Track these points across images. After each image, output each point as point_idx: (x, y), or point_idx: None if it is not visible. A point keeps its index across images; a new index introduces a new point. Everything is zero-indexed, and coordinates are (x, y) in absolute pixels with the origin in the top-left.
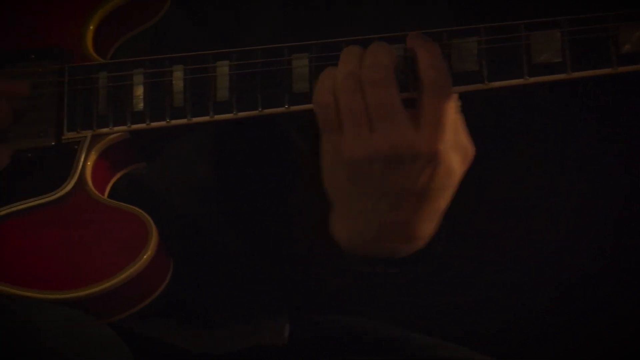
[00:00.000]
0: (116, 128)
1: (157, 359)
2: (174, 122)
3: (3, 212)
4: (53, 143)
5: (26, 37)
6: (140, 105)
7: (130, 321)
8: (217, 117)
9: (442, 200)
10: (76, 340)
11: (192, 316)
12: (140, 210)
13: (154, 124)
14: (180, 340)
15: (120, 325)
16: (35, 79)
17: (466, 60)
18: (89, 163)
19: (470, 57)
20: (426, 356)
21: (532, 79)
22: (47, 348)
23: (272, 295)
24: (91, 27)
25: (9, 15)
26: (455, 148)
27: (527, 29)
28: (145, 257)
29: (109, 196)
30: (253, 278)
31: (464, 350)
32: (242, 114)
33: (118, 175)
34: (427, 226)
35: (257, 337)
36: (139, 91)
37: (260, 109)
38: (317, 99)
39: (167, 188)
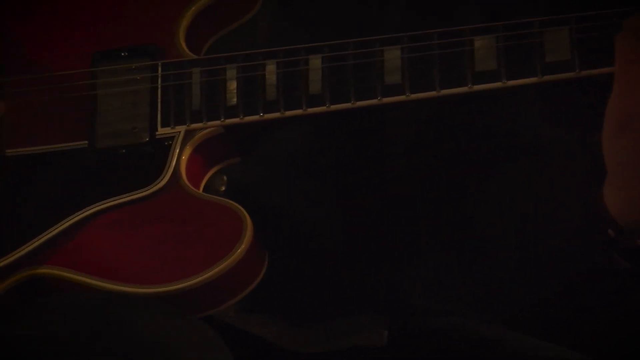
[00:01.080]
0: (210, 123)
1: (254, 355)
2: (268, 116)
3: (98, 208)
4: (147, 139)
5: (120, 36)
6: (234, 100)
7: (228, 316)
8: (310, 110)
9: None
10: (173, 336)
11: (290, 314)
12: (234, 204)
13: (248, 119)
14: (278, 337)
15: (217, 320)
16: (129, 76)
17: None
18: (183, 158)
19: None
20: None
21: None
22: (145, 344)
23: (372, 294)
24: (184, 24)
25: (103, 14)
26: None
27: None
28: (239, 250)
29: (204, 191)
30: (353, 276)
31: (562, 350)
32: (334, 107)
33: (213, 170)
34: None
35: (355, 337)
36: (233, 86)
37: (352, 102)
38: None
39: (262, 183)
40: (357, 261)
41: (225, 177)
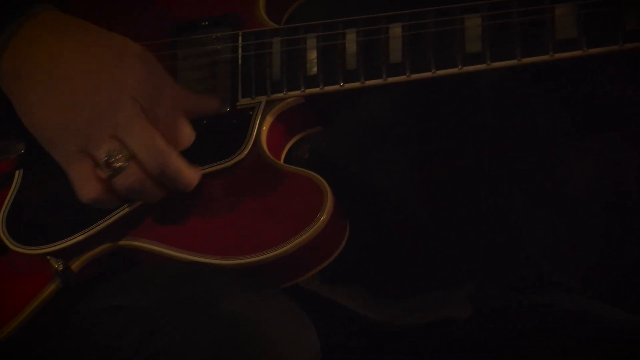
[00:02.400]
0: (290, 93)
1: (338, 325)
2: (348, 85)
3: None
4: (228, 109)
5: (200, 6)
6: (314, 70)
7: (313, 284)
8: (390, 79)
9: None
10: (255, 308)
11: (376, 285)
12: (315, 175)
13: (328, 88)
14: (363, 308)
15: (302, 288)
16: (209, 46)
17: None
18: (264, 128)
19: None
20: (616, 330)
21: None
22: (227, 315)
23: (457, 266)
24: None
25: None
26: None
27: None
28: (320, 221)
29: (285, 161)
30: (438, 247)
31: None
32: (414, 76)
33: (293, 140)
34: None
35: (441, 310)
36: (313, 55)
37: (433, 71)
38: None
39: (343, 153)
40: (442, 231)
41: (309, 145)
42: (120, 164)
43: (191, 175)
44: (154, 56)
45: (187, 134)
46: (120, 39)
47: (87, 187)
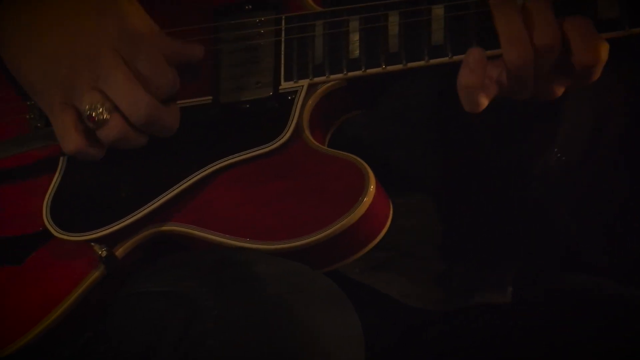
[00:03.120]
0: (332, 76)
1: (379, 312)
2: (390, 68)
3: (222, 164)
4: (271, 93)
5: None
6: (356, 52)
7: (354, 272)
8: (432, 61)
9: None
10: (298, 292)
11: (416, 271)
12: (357, 158)
13: (370, 71)
14: (404, 295)
15: (342, 276)
16: (252, 29)
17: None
18: (306, 112)
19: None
20: None
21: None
22: (270, 299)
23: (497, 252)
24: None
25: None
26: None
27: None
28: (362, 204)
29: (329, 145)
30: (478, 232)
31: None
32: (457, 58)
33: (336, 123)
34: None
35: (480, 295)
36: (355, 38)
37: None
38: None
39: (385, 136)
40: (482, 216)
41: None
42: (102, 116)
43: (172, 122)
44: (197, 41)
45: (170, 81)
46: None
47: (70, 138)
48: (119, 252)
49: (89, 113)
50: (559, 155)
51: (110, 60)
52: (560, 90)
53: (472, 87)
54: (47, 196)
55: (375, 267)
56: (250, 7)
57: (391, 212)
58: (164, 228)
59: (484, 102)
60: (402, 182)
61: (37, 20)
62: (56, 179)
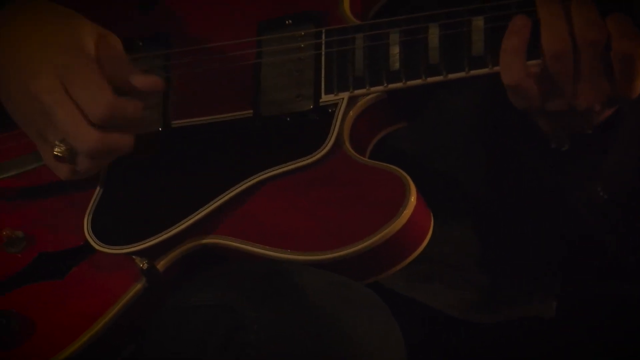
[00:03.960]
0: (373, 89)
1: (422, 324)
2: (430, 79)
3: (263, 177)
4: (311, 106)
5: (284, 5)
6: (397, 65)
7: (397, 285)
8: (473, 72)
9: None
10: (342, 303)
11: (461, 284)
12: (398, 169)
13: (410, 83)
14: (448, 307)
15: (386, 288)
16: (293, 44)
17: None
18: (346, 124)
19: None
20: None
21: None
22: (314, 310)
23: (541, 265)
24: None
25: None
26: None
27: None
28: (402, 216)
29: (370, 156)
30: (521, 245)
31: None
32: (497, 69)
33: (378, 136)
34: None
35: (524, 308)
36: (395, 50)
37: None
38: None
39: (426, 149)
40: (525, 228)
41: None
42: (66, 154)
43: (123, 147)
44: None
45: (106, 108)
46: (74, 24)
47: (58, 169)
48: (161, 264)
49: (55, 153)
50: (601, 193)
51: (52, 95)
52: (600, 108)
53: (516, 49)
54: (88, 210)
55: (419, 280)
56: (291, 21)
57: (432, 224)
58: (205, 241)
59: (525, 85)
60: (444, 194)
61: (9, 60)
62: (97, 192)
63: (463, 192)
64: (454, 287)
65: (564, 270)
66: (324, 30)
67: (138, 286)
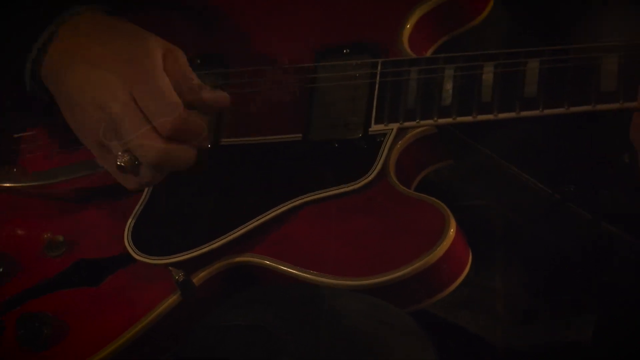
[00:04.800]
0: (423, 122)
1: (460, 348)
2: (480, 117)
3: (306, 199)
4: (360, 135)
5: (342, 33)
6: (448, 100)
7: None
8: (523, 113)
9: None
10: (378, 327)
11: (500, 309)
12: (438, 201)
13: (460, 119)
14: (487, 332)
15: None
16: (348, 72)
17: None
18: (393, 155)
19: None
20: None
21: None
22: (350, 334)
23: (580, 294)
24: (408, 26)
25: (327, 11)
26: None
27: None
28: (440, 247)
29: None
30: (560, 270)
31: None
32: (547, 111)
33: (424, 171)
34: None
35: (563, 335)
36: (449, 86)
37: (566, 107)
38: None
39: (474, 187)
40: (563, 254)
41: None
42: (131, 163)
43: (183, 163)
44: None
45: (177, 119)
46: (142, 38)
47: (125, 180)
48: (196, 279)
49: (119, 163)
50: None
51: (121, 105)
52: None
53: None
54: (130, 219)
55: (458, 304)
56: (348, 50)
57: (470, 259)
58: (243, 259)
59: None
60: (488, 230)
61: (72, 76)
62: (141, 202)
63: (504, 223)
64: (493, 312)
65: (601, 296)
66: (380, 62)
67: (172, 298)
